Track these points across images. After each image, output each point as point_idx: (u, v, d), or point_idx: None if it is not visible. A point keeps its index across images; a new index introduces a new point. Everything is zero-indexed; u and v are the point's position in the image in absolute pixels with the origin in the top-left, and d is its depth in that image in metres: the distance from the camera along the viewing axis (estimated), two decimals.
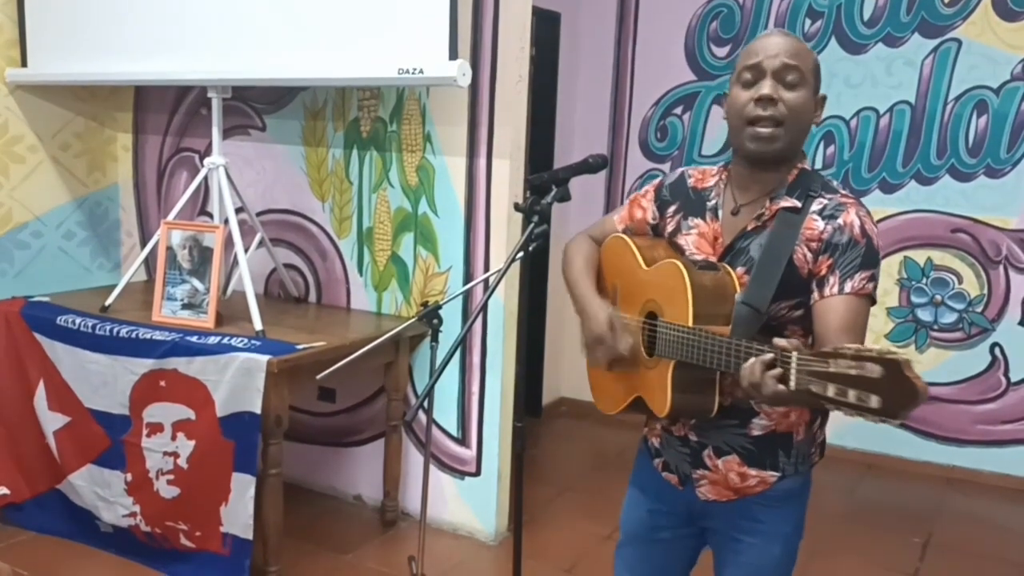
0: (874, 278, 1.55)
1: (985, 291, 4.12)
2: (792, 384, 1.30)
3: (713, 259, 1.65)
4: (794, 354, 1.30)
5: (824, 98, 1.64)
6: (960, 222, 4.13)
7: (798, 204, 1.59)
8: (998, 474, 4.14)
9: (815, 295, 1.56)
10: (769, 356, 1.34)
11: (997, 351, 4.12)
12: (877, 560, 3.36)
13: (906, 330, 4.26)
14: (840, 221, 1.56)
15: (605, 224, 1.91)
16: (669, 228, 1.76)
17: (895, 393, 1.16)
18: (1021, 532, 3.72)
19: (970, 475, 4.18)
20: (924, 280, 4.22)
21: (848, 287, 1.53)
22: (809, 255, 1.57)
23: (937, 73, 4.10)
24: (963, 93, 4.07)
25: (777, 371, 1.32)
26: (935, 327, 4.23)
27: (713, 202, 1.69)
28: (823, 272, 1.55)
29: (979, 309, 4.14)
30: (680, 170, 1.80)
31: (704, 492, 1.73)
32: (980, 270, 4.12)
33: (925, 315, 4.24)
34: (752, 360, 1.37)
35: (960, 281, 4.16)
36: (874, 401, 1.18)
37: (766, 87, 1.55)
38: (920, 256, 4.21)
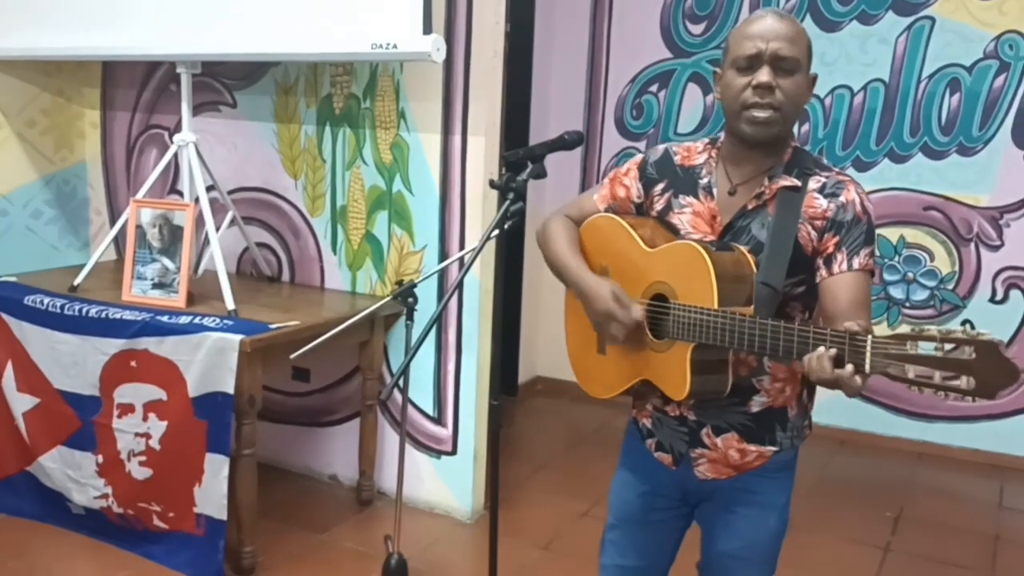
0: (874, 254, 1.60)
1: (956, 268, 4.16)
2: (867, 369, 1.30)
3: (712, 238, 1.65)
4: (869, 338, 1.30)
5: (815, 77, 1.65)
6: (932, 200, 4.16)
7: (797, 183, 1.61)
8: (968, 449, 4.19)
9: (823, 272, 1.58)
10: (834, 351, 1.33)
11: (967, 328, 4.16)
12: (849, 534, 3.40)
13: (878, 307, 4.29)
14: (843, 199, 1.59)
15: (583, 203, 1.86)
16: (658, 207, 1.73)
17: (992, 373, 1.20)
18: (990, 505, 3.77)
19: (941, 450, 4.22)
20: (897, 258, 4.25)
21: (856, 264, 1.56)
22: (814, 233, 1.59)
23: (911, 51, 4.11)
24: (936, 71, 4.08)
25: (850, 368, 1.32)
26: (907, 304, 4.26)
27: (706, 180, 1.68)
28: (830, 250, 1.58)
29: (950, 286, 4.18)
30: (664, 147, 1.78)
31: (703, 471, 1.73)
32: (952, 248, 4.15)
33: (897, 292, 4.27)
34: (814, 354, 1.36)
35: (932, 259, 4.19)
36: (968, 382, 1.21)
37: (764, 74, 1.55)
38: (893, 234, 4.24)
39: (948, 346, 1.22)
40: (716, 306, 1.51)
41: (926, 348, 1.23)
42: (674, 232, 1.69)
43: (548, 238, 1.84)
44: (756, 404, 1.68)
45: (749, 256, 1.58)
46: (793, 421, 1.72)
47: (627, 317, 1.63)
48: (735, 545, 1.75)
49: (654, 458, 1.80)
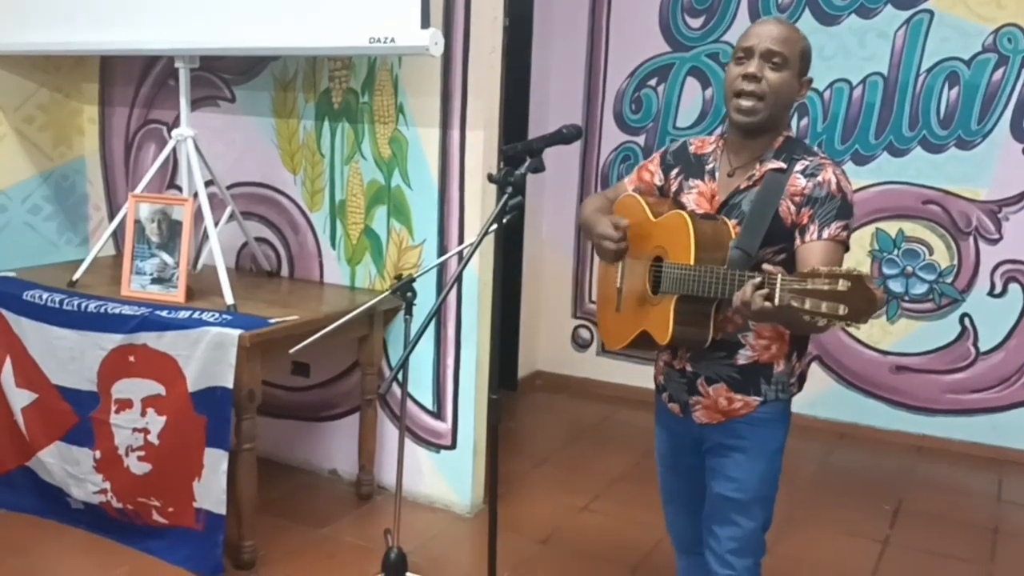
0: (848, 228, 1.82)
1: (955, 262, 4.16)
2: (776, 300, 1.53)
3: (711, 212, 1.91)
4: (779, 275, 1.54)
5: (809, 80, 1.92)
6: (931, 193, 4.16)
7: (783, 166, 1.86)
8: (967, 442, 4.19)
9: (797, 241, 1.83)
10: (758, 279, 1.58)
11: (966, 321, 4.17)
12: (849, 527, 3.41)
13: None
14: (820, 178, 1.83)
15: (618, 187, 2.18)
16: (673, 188, 2.03)
17: (860, 301, 1.45)
18: (989, 498, 3.78)
19: (940, 443, 4.23)
20: (895, 251, 4.25)
21: (826, 234, 1.80)
22: (793, 208, 1.83)
23: (909, 45, 4.10)
24: (935, 65, 4.07)
25: (764, 291, 1.56)
26: (906, 298, 4.26)
27: (711, 165, 1.97)
28: (804, 222, 1.82)
29: (949, 280, 4.18)
30: (682, 140, 2.08)
31: (699, 416, 2.00)
32: (950, 241, 4.15)
33: (896, 286, 4.27)
34: (744, 284, 1.61)
35: (931, 252, 4.19)
36: (842, 309, 1.45)
37: (752, 66, 1.83)
38: (892, 228, 4.24)
39: (833, 281, 1.46)
40: (692, 263, 1.78)
41: (818, 283, 1.48)
42: (683, 209, 1.93)
43: (581, 210, 2.16)
44: (742, 358, 1.92)
45: (730, 226, 1.85)
46: (778, 376, 1.94)
47: (613, 233, 1.92)
48: (728, 487, 1.98)
49: (669, 409, 2.08)
